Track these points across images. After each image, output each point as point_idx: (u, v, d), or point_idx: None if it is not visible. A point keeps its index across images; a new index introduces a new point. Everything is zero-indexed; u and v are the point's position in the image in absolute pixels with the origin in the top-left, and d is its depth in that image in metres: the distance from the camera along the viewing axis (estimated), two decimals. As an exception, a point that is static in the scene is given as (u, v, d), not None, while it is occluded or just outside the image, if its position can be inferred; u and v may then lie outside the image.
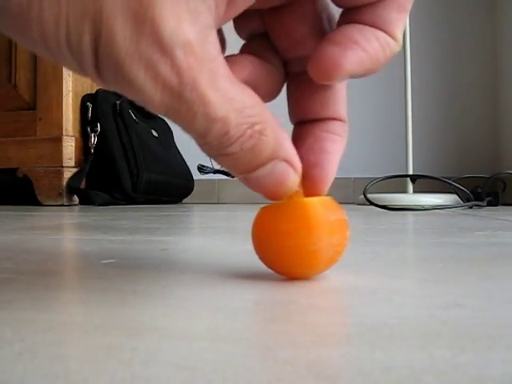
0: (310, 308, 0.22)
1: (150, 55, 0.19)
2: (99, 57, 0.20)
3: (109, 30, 0.19)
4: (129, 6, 0.19)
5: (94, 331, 0.18)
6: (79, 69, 0.21)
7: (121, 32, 0.19)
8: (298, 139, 0.29)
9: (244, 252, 0.42)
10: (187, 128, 0.22)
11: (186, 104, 0.21)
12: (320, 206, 0.28)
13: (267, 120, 0.23)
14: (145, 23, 0.19)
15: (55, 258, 0.39)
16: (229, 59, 0.24)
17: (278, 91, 0.28)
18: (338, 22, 0.27)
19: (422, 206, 1.43)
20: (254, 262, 0.29)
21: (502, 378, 0.14)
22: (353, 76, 0.25)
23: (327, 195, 0.29)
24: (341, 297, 0.25)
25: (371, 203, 1.32)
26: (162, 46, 0.19)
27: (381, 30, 0.25)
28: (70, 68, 0.21)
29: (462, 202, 1.48)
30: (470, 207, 1.39)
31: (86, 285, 0.28)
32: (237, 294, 0.25)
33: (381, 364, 0.15)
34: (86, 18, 0.19)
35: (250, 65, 0.25)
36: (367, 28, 0.25)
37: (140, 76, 0.20)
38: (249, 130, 0.23)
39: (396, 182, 1.88)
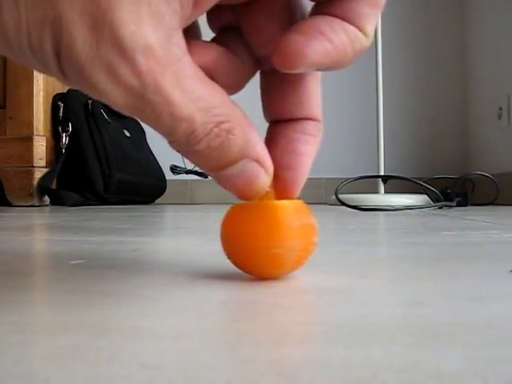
0: (275, 307, 0.23)
1: (110, 59, 0.20)
2: (61, 60, 0.20)
3: (69, 35, 0.19)
4: (87, 10, 0.19)
5: (60, 332, 0.19)
6: (45, 70, 0.21)
7: (80, 37, 0.19)
8: (271, 140, 0.29)
9: (216, 253, 0.43)
10: (154, 127, 0.22)
11: (151, 105, 0.21)
12: (288, 210, 0.28)
13: (236, 119, 0.24)
14: (104, 27, 0.19)
15: (23, 259, 0.39)
16: (191, 42, 0.24)
17: (241, 85, 0.28)
18: (309, 15, 0.26)
19: (393, 206, 1.44)
20: (225, 262, 0.29)
21: (459, 374, 0.15)
22: (319, 67, 0.25)
23: (299, 198, 0.30)
24: (307, 296, 0.26)
25: (342, 203, 1.33)
26: (122, 50, 0.20)
27: (351, 23, 0.24)
28: (37, 70, 0.22)
29: (432, 203, 1.50)
30: (440, 207, 1.41)
31: (53, 286, 0.28)
32: (205, 294, 0.25)
33: (341, 362, 0.16)
34: (46, 23, 0.19)
35: (212, 52, 0.25)
36: (336, 20, 0.24)
37: (101, 79, 0.20)
38: (215, 129, 0.23)
39: (367, 182, 1.90)
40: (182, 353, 0.16)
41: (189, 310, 0.22)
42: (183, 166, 2.16)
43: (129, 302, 0.23)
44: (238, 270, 0.30)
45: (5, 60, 1.70)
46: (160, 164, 2.18)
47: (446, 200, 1.46)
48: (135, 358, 0.16)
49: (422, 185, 1.47)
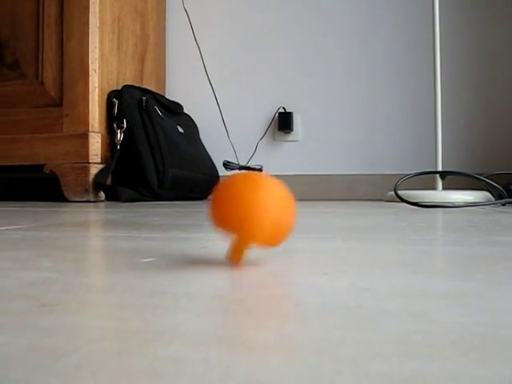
0: (382, 313, 0.20)
1: None
2: None
3: None
4: None
5: (155, 340, 0.17)
6: None
7: None
8: None
9: (286, 250, 0.40)
10: None
11: None
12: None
13: None
14: None
15: (93, 256, 0.38)
16: None
17: None
18: None
19: (452, 202, 1.40)
20: (306, 261, 0.27)
21: None
22: None
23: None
24: (412, 300, 0.23)
25: (403, 200, 1.29)
26: None
27: None
28: None
29: (493, 199, 1.45)
30: (503, 204, 1.36)
31: (131, 286, 0.26)
32: (300, 298, 0.23)
33: (487, 380, 0.13)
34: None
35: None
36: None
37: None
38: None
39: (424, 178, 1.84)
40: (299, 367, 0.14)
41: (289, 316, 0.20)
42: (236, 162, 2.15)
43: (218, 306, 0.21)
44: (325, 272, 0.28)
45: (62, 59, 1.72)
46: (213, 160, 2.17)
47: (509, 196, 1.41)
48: (249, 373, 0.14)
49: (484, 180, 1.41)
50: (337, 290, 0.25)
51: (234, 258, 0.32)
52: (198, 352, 0.15)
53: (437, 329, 0.18)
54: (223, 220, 0.32)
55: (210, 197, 0.34)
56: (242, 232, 0.31)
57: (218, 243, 0.46)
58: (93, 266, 0.32)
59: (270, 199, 0.31)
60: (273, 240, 0.32)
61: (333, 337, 0.17)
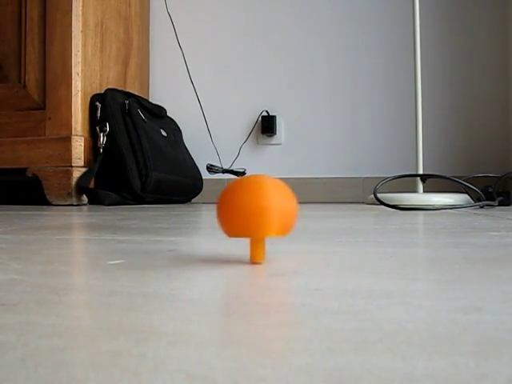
0: (324, 311, 0.21)
1: None
2: None
3: None
4: None
5: (100, 336, 0.18)
6: None
7: None
8: None
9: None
10: None
11: None
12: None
13: None
14: None
15: (62, 259, 0.39)
16: None
17: None
18: None
19: (433, 205, 1.42)
20: (267, 262, 0.28)
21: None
22: None
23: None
24: (356, 300, 0.24)
25: (381, 203, 1.31)
26: None
27: None
28: None
29: (473, 202, 1.47)
30: (482, 207, 1.38)
31: (93, 287, 0.27)
32: (249, 297, 0.24)
33: (401, 373, 0.14)
34: None
35: None
36: None
37: None
38: None
39: (406, 181, 1.86)
40: (229, 361, 0.15)
41: (233, 314, 0.21)
42: (220, 166, 2.16)
43: (169, 305, 0.23)
44: (282, 273, 0.29)
45: (44, 62, 1.72)
46: (197, 163, 2.18)
47: (487, 199, 1.43)
48: (180, 366, 0.15)
49: (462, 183, 1.43)
50: (288, 290, 0.26)
51: (258, 259, 0.36)
52: (138, 346, 0.16)
53: (370, 326, 0.19)
54: (236, 227, 0.35)
55: (216, 204, 0.36)
56: (257, 235, 0.34)
57: (186, 246, 0.47)
58: (59, 268, 0.33)
59: (276, 201, 0.34)
60: (281, 233, 0.35)
61: (268, 333, 0.18)
